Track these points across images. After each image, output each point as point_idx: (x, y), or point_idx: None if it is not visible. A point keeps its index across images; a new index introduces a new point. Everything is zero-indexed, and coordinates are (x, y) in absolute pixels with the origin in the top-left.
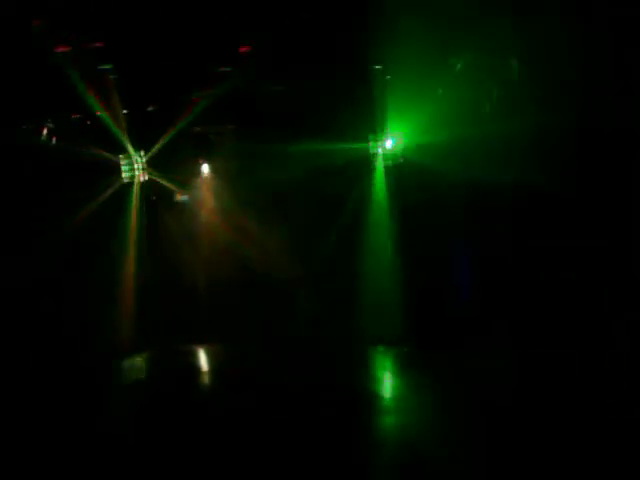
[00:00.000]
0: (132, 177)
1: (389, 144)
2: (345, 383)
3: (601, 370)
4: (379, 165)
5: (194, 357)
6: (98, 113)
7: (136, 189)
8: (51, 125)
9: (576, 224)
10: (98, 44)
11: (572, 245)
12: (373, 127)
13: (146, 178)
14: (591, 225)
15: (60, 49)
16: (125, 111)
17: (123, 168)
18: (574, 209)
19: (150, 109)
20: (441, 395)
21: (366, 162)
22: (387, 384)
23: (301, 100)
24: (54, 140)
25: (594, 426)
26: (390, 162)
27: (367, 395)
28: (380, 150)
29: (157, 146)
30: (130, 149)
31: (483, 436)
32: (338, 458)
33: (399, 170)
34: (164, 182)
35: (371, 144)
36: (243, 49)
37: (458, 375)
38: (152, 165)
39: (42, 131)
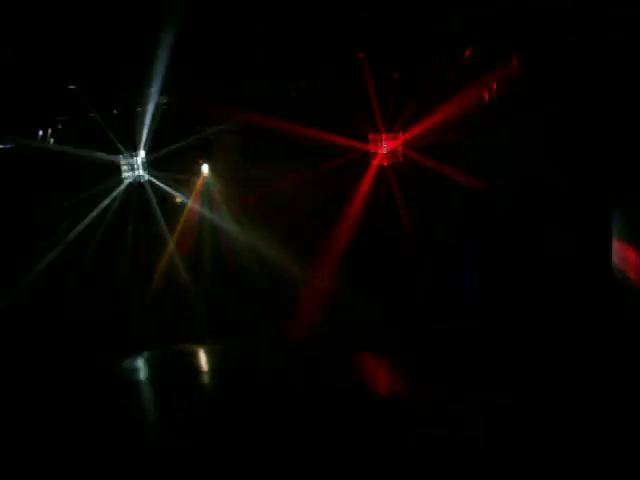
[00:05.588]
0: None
1: (389, 144)
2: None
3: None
4: (379, 165)
5: (194, 357)
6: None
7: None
8: None
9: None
10: None
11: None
12: (373, 127)
13: (146, 178)
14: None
15: None
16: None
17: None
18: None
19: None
20: None
21: (366, 162)
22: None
23: (301, 99)
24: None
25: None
26: (390, 162)
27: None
28: (380, 150)
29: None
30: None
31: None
32: (337, 458)
33: (399, 170)
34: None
35: (371, 144)
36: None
37: None
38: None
39: None
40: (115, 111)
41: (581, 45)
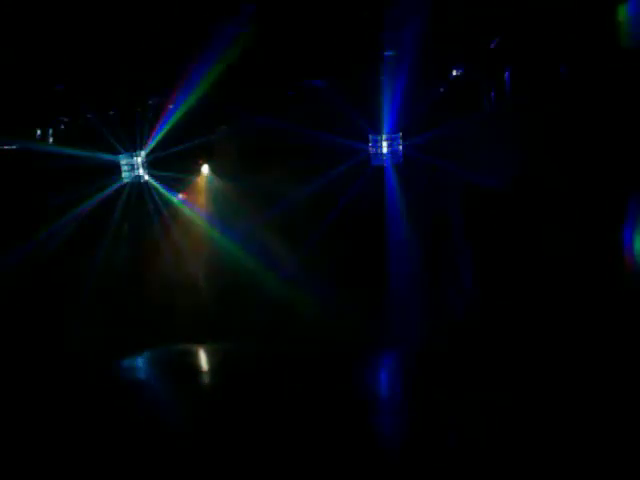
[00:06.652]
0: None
1: (389, 144)
2: (348, 387)
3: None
4: (378, 164)
5: (194, 357)
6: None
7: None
8: None
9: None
10: None
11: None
12: (373, 127)
13: (146, 178)
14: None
15: None
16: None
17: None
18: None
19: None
20: None
21: (366, 162)
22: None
23: (302, 99)
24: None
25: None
26: (390, 162)
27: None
28: (380, 150)
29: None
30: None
31: None
32: (337, 459)
33: (399, 170)
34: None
35: (371, 144)
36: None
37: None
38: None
39: None
40: (115, 112)
41: (578, 44)
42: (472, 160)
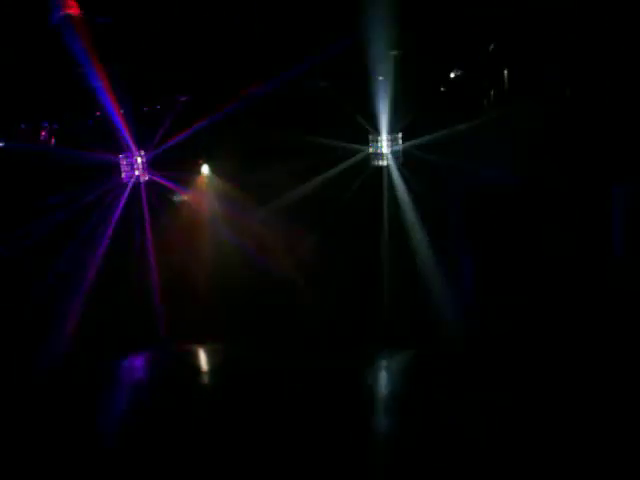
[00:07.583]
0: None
1: (389, 144)
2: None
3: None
4: (379, 164)
5: (194, 357)
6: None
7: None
8: None
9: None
10: None
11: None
12: (373, 127)
13: (146, 178)
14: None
15: None
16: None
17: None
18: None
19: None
20: None
21: (366, 162)
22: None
23: (302, 99)
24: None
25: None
26: (390, 162)
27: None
28: (380, 150)
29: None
30: None
31: None
32: (335, 459)
33: (399, 169)
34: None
35: (371, 144)
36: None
37: None
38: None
39: None
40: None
41: (576, 44)
42: (472, 160)
